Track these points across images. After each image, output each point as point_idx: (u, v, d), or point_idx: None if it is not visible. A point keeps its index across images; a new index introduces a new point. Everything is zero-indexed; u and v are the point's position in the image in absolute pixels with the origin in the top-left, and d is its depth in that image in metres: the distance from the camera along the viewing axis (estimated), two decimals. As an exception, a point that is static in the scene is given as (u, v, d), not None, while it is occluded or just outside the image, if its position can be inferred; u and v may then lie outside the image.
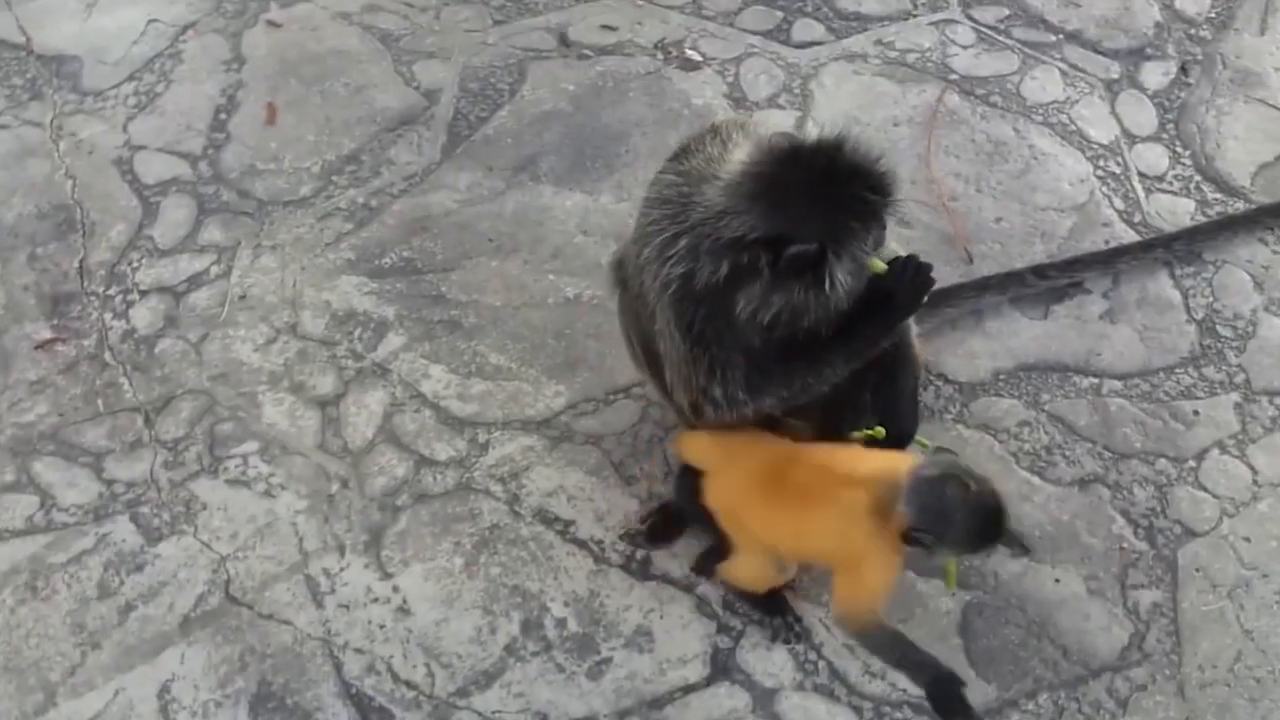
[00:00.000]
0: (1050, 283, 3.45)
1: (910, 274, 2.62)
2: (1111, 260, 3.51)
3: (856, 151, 2.45)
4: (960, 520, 2.55)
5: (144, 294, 3.53)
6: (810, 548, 2.74)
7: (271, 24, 4.13)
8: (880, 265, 2.59)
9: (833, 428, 2.86)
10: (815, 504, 2.66)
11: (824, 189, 2.45)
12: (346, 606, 2.99)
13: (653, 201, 2.62)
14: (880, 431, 2.77)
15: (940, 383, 3.29)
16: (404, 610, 2.98)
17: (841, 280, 2.48)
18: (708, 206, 2.51)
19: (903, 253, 2.64)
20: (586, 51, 4.04)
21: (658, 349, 2.73)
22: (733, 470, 2.76)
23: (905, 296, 2.63)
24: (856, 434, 2.78)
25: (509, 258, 3.57)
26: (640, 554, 3.06)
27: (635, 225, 2.68)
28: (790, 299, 2.50)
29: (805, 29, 4.08)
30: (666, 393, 2.82)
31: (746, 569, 2.86)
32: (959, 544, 2.60)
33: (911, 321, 2.83)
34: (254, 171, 3.77)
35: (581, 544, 3.08)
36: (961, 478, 2.56)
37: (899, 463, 2.63)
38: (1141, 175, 3.72)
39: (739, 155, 2.56)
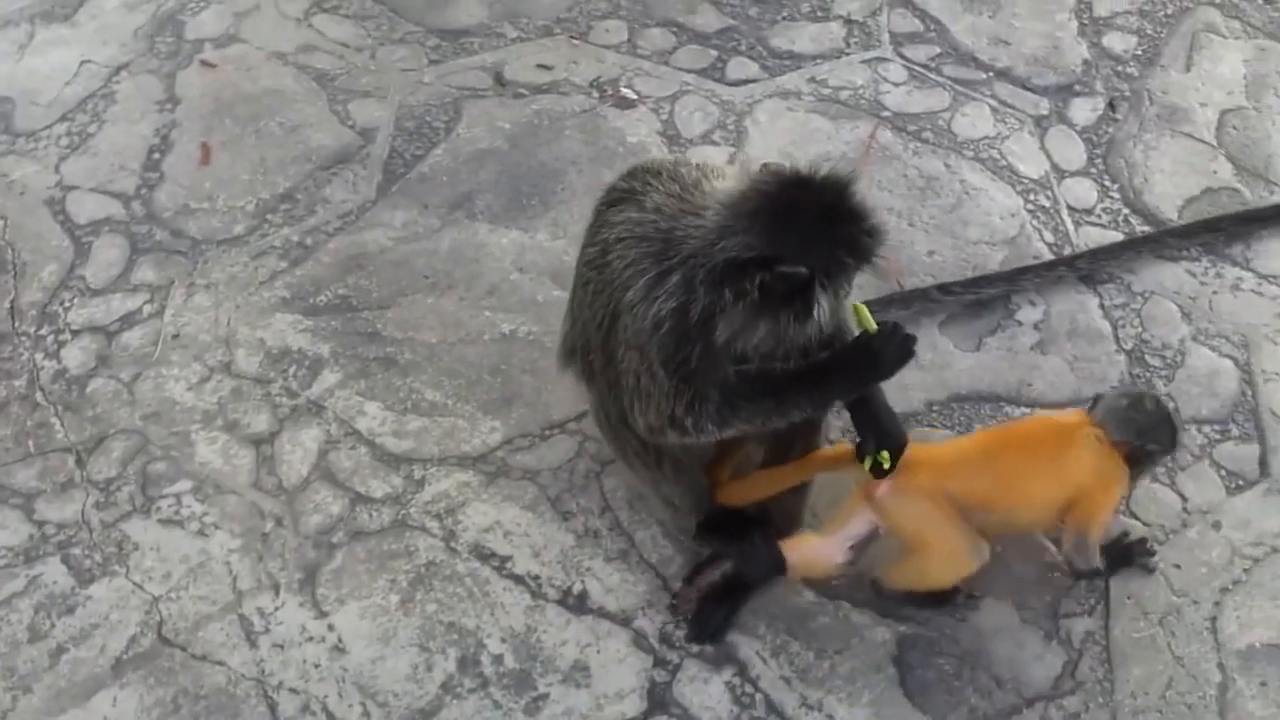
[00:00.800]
0: (956, 298, 3.52)
1: (899, 340, 2.68)
2: (1015, 278, 3.58)
3: (858, 193, 2.52)
4: (1168, 424, 2.96)
5: (76, 334, 3.52)
6: (1045, 499, 2.93)
7: (206, 64, 4.13)
8: (872, 323, 2.68)
9: (784, 450, 2.96)
10: (1045, 455, 2.93)
11: (824, 220, 2.51)
12: (281, 646, 2.98)
13: (627, 243, 2.63)
14: (886, 456, 2.80)
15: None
16: (339, 649, 2.97)
17: (822, 312, 2.53)
18: (701, 235, 2.55)
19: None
20: (522, 90, 4.07)
21: (604, 366, 2.79)
22: (933, 465, 2.90)
23: (890, 360, 2.69)
24: (865, 462, 2.81)
25: (445, 295, 3.59)
26: (577, 588, 3.07)
27: (594, 273, 2.71)
28: (772, 326, 2.55)
29: (739, 67, 4.12)
30: (607, 409, 2.88)
31: (944, 564, 2.92)
32: (1172, 445, 2.99)
33: None
34: (188, 211, 3.77)
35: (518, 579, 3.08)
36: (1143, 392, 3.06)
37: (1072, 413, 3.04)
38: (1071, 209, 3.78)
39: (727, 185, 2.61)
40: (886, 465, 2.79)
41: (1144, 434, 2.92)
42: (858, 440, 2.82)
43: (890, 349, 2.69)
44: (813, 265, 2.49)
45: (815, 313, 2.52)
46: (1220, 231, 3.71)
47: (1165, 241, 3.70)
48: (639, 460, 2.98)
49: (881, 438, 2.80)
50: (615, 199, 2.74)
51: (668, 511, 3.13)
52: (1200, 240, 3.70)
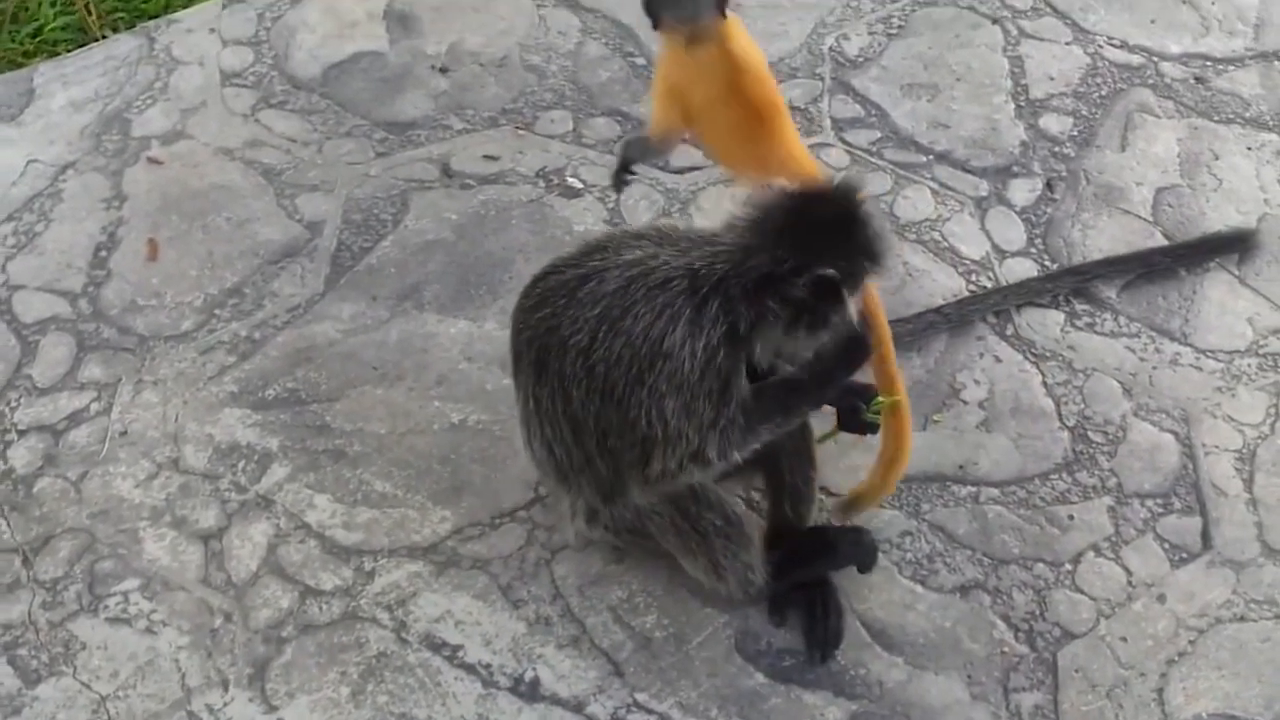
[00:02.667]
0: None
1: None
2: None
3: (867, 203, 2.76)
4: None
5: (22, 433, 3.55)
6: None
7: (153, 161, 4.19)
8: None
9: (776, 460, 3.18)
10: None
11: (842, 228, 2.73)
12: (231, 741, 3.01)
13: (654, 289, 2.75)
14: (878, 404, 3.09)
15: (823, 496, 3.38)
16: (282, 736, 3.01)
17: (845, 314, 2.75)
18: (727, 258, 2.73)
19: None
20: (469, 181, 4.14)
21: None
22: None
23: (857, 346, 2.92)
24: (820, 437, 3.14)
25: (394, 386, 3.64)
26: (529, 675, 3.11)
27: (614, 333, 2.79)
28: (805, 333, 2.77)
29: (683, 154, 4.18)
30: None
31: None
32: None
33: None
34: (135, 307, 3.81)
35: (470, 668, 3.12)
36: None
37: None
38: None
39: (741, 212, 2.79)
40: (886, 406, 3.12)
41: None
42: (839, 413, 3.09)
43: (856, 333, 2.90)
44: (840, 269, 2.68)
45: (843, 315, 2.74)
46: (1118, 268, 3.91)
47: (1053, 288, 3.86)
48: (720, 534, 3.06)
49: (861, 393, 3.07)
50: (585, 275, 2.84)
51: (742, 582, 3.15)
52: (1085, 279, 3.88)
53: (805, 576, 3.21)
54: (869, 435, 3.16)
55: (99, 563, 3.31)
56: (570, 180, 4.14)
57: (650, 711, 3.08)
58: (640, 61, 4.42)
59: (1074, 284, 3.86)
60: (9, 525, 3.38)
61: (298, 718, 3.04)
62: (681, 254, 2.77)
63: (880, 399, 3.08)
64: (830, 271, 2.67)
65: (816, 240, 2.71)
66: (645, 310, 2.74)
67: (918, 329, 3.72)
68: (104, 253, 3.95)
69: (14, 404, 3.61)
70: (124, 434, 3.55)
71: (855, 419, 3.08)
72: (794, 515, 3.21)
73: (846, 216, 2.74)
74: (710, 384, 2.74)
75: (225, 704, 3.06)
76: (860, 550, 3.22)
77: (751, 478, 3.30)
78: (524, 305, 2.93)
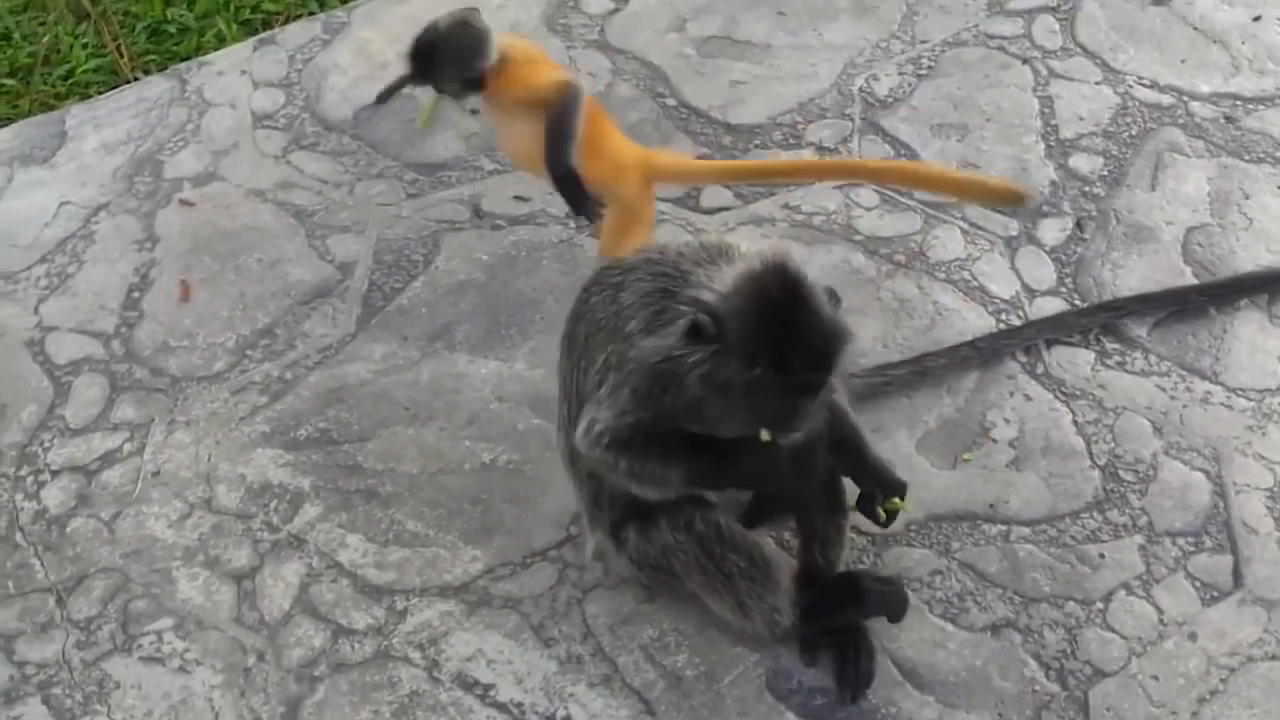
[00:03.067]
0: (864, 381, 3.71)
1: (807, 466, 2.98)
2: (919, 360, 3.81)
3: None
4: None
5: (55, 474, 3.65)
6: None
7: (184, 203, 4.30)
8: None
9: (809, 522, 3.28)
10: None
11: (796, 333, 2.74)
12: (264, 779, 3.08)
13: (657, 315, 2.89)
14: (897, 502, 3.19)
15: (853, 534, 3.45)
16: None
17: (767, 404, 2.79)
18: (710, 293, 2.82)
19: None
20: (500, 222, 4.24)
21: None
22: None
23: (791, 480, 2.97)
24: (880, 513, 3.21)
25: (425, 425, 3.73)
26: (561, 714, 3.18)
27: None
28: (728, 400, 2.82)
29: (713, 195, 4.29)
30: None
31: None
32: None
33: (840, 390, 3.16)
34: (167, 348, 3.91)
35: (502, 707, 3.19)
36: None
37: None
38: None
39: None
40: (899, 510, 3.19)
41: None
42: (860, 493, 3.16)
43: (801, 475, 2.96)
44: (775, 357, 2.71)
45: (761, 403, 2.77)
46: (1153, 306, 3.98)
47: (1077, 324, 3.94)
48: (744, 576, 3.16)
49: (886, 487, 3.14)
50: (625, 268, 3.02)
51: (768, 623, 3.23)
52: (1118, 316, 3.96)
53: (834, 624, 3.28)
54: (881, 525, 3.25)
55: (132, 602, 3.40)
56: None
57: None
58: (670, 102, 4.52)
59: (1107, 319, 3.93)
60: (43, 565, 3.47)
61: None
62: (694, 264, 2.90)
63: (896, 501, 3.16)
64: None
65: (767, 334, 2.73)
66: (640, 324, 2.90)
67: (951, 362, 3.80)
68: (136, 294, 4.06)
69: (47, 444, 3.71)
70: (156, 474, 3.64)
71: (870, 506, 3.17)
72: (824, 561, 3.28)
73: (800, 327, 2.73)
74: (638, 381, 2.87)
75: (259, 742, 3.15)
76: (890, 601, 3.27)
77: (784, 522, 3.37)
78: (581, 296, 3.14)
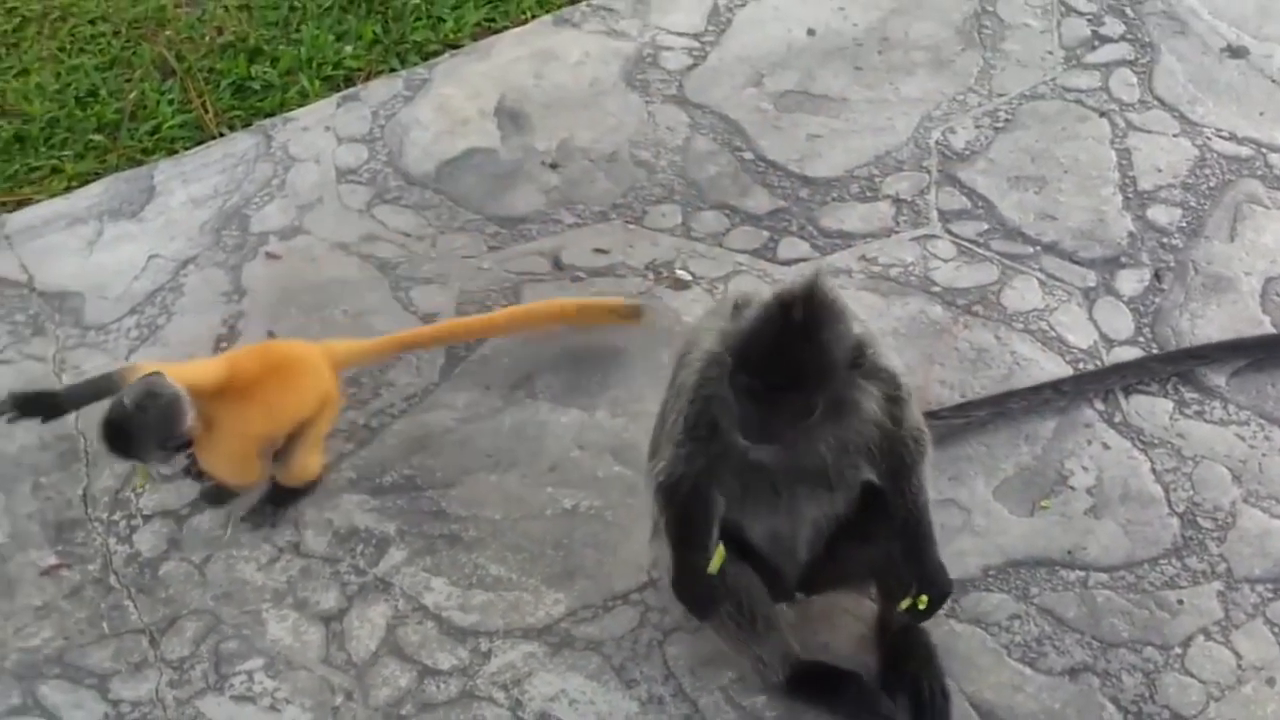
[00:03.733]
0: (945, 422, 3.85)
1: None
2: (1001, 401, 3.94)
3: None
4: None
5: (147, 519, 3.83)
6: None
7: (271, 256, 4.47)
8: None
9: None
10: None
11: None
12: (354, 816, 3.23)
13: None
14: (925, 600, 3.19)
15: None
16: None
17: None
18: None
19: None
20: (580, 274, 4.38)
21: None
22: None
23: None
24: (904, 603, 3.23)
25: (507, 472, 3.89)
26: (643, 753, 3.34)
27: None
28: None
29: (790, 247, 4.44)
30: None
31: None
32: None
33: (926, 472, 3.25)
34: (255, 397, 4.10)
35: (585, 747, 3.35)
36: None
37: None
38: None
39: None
40: (923, 608, 3.17)
41: None
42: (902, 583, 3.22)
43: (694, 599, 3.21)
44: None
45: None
46: (1242, 352, 4.09)
47: (1151, 369, 4.06)
48: (731, 619, 3.29)
49: (924, 584, 3.17)
50: None
51: (756, 670, 3.40)
52: (1203, 362, 4.08)
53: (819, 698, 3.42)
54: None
55: (224, 643, 3.57)
56: (679, 272, 4.37)
57: None
58: (748, 155, 4.68)
59: (1191, 365, 4.06)
60: (136, 607, 3.65)
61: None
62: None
63: (925, 598, 3.19)
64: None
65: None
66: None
67: (1032, 405, 3.94)
68: (224, 345, 4.20)
69: (139, 490, 3.89)
70: (245, 519, 3.83)
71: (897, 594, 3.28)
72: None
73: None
74: (684, 404, 3.05)
75: (348, 778, 3.31)
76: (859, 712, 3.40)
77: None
78: None
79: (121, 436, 3.46)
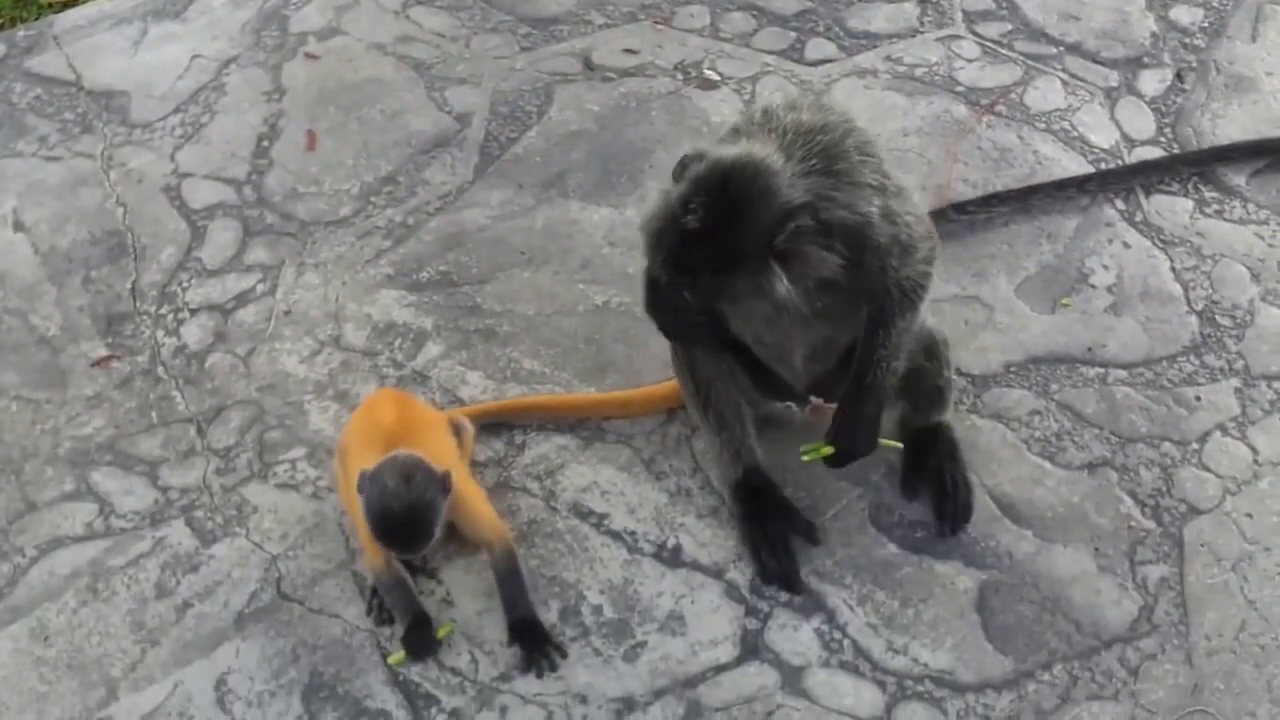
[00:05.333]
0: (970, 217, 3.63)
1: None
2: (1025, 197, 3.69)
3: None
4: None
5: (194, 312, 3.64)
6: None
7: (309, 56, 4.24)
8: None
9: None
10: None
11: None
12: (393, 599, 3.08)
13: None
14: (828, 451, 3.00)
15: (955, 376, 3.36)
16: (447, 601, 3.06)
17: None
18: None
19: None
20: (610, 74, 4.14)
21: None
22: None
23: None
24: (808, 452, 3.03)
25: (540, 269, 3.67)
26: (671, 543, 3.14)
27: None
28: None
29: (817, 48, 4.17)
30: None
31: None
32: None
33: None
34: (296, 195, 3.87)
35: (615, 535, 3.16)
36: (387, 478, 2.85)
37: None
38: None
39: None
40: (825, 457, 3.02)
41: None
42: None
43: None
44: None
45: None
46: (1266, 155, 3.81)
47: (1175, 168, 3.80)
48: (695, 407, 3.14)
49: (840, 435, 3.00)
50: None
51: (720, 460, 3.19)
52: (1227, 163, 3.80)
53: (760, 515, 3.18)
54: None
55: (267, 432, 3.39)
56: (708, 73, 4.13)
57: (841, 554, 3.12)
58: (777, -44, 4.38)
59: (1214, 165, 3.80)
60: (184, 397, 3.47)
61: (455, 579, 3.09)
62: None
63: (825, 448, 3.01)
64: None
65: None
66: None
67: (1056, 201, 3.70)
68: (265, 143, 4.02)
69: (185, 285, 3.69)
70: (288, 313, 3.61)
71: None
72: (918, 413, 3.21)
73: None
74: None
75: (387, 564, 3.14)
76: (765, 565, 3.11)
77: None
78: None
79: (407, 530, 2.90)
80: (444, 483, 2.87)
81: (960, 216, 3.62)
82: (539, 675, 2.93)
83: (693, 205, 2.60)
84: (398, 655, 2.97)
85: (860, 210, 2.69)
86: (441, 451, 3.02)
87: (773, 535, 3.11)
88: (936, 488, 3.18)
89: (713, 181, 2.61)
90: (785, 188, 2.63)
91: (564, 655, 2.95)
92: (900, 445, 3.17)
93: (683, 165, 2.68)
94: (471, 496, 3.04)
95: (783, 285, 2.62)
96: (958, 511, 3.15)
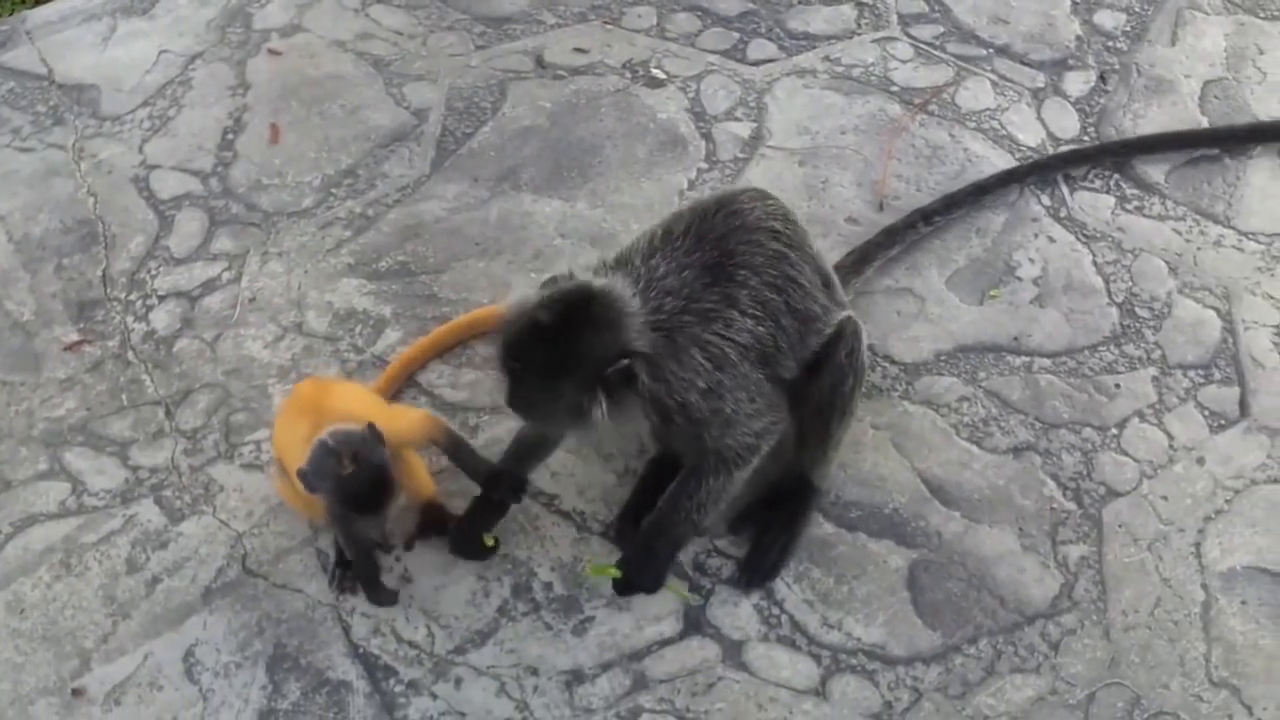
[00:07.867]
0: (934, 226, 3.63)
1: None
2: (978, 195, 3.68)
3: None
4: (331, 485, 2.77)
5: (162, 299, 3.59)
6: None
7: (272, 52, 4.18)
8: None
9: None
10: None
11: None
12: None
13: None
14: (615, 571, 3.02)
15: (886, 364, 3.37)
16: (405, 578, 3.05)
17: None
18: None
19: None
20: (561, 72, 4.11)
21: None
22: None
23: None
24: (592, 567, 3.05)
25: (494, 259, 3.64)
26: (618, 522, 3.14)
27: None
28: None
29: (759, 48, 4.15)
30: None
31: None
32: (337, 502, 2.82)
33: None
34: (260, 186, 3.83)
35: (565, 515, 3.15)
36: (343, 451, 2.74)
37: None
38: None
39: None
40: (611, 577, 3.03)
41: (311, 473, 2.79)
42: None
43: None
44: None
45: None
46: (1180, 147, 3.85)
47: (1102, 159, 3.83)
48: None
49: (631, 565, 3.03)
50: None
51: None
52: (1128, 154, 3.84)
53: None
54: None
55: (233, 415, 3.35)
56: (654, 71, 4.10)
57: (727, 556, 3.10)
58: (720, -40, 4.36)
59: (1124, 156, 3.82)
60: (153, 381, 3.43)
61: (412, 556, 3.08)
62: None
63: (605, 565, 3.02)
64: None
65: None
66: None
67: (991, 185, 3.71)
68: (230, 136, 3.96)
69: (154, 272, 3.64)
70: (252, 300, 3.58)
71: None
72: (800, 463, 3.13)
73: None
74: None
75: (347, 543, 3.12)
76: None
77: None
78: None
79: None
80: (372, 433, 2.79)
81: (928, 227, 3.60)
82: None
83: (548, 308, 2.65)
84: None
85: (676, 394, 2.73)
86: (358, 413, 2.88)
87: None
88: (760, 541, 3.10)
89: (573, 297, 2.68)
90: (634, 331, 2.68)
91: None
92: (688, 595, 3.03)
93: (553, 279, 2.74)
94: (399, 419, 3.00)
95: (600, 412, 2.66)
96: (763, 572, 3.07)
